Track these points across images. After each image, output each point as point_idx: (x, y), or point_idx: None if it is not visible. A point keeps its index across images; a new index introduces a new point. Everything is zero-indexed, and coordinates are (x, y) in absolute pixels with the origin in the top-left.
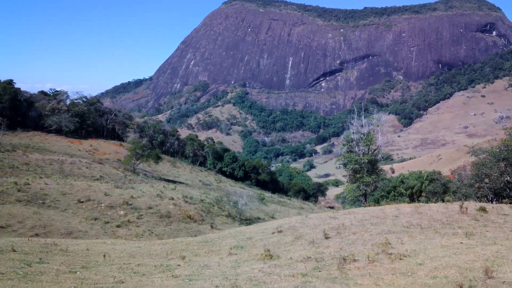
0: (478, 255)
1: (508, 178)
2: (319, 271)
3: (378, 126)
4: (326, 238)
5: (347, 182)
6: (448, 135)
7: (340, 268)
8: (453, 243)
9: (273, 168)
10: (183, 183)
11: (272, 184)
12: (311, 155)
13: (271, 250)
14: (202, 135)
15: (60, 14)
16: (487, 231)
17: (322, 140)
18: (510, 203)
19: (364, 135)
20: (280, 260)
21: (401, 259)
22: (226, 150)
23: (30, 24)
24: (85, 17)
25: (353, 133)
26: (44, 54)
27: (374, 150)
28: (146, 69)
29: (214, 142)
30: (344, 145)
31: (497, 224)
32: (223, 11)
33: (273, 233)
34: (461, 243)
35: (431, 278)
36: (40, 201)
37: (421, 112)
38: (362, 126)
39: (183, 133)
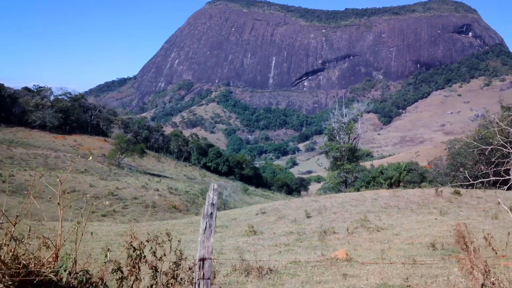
0: (451, 227)
1: (482, 166)
2: (301, 242)
3: (358, 115)
4: (308, 217)
5: (328, 171)
6: (426, 133)
7: (321, 239)
8: (428, 219)
9: (256, 165)
10: (168, 177)
11: (256, 179)
12: (294, 153)
13: (254, 227)
14: (187, 133)
15: (45, 14)
16: (461, 210)
17: (304, 138)
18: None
19: (344, 124)
20: (264, 235)
21: (378, 231)
22: (211, 145)
23: (15, 25)
24: (70, 18)
25: (334, 122)
26: (28, 54)
27: (354, 138)
28: (130, 68)
29: (198, 138)
30: (325, 134)
31: (471, 205)
32: (207, 11)
33: (257, 214)
34: (436, 219)
35: (407, 245)
36: (25, 192)
37: (400, 110)
38: (342, 115)
39: (168, 131)
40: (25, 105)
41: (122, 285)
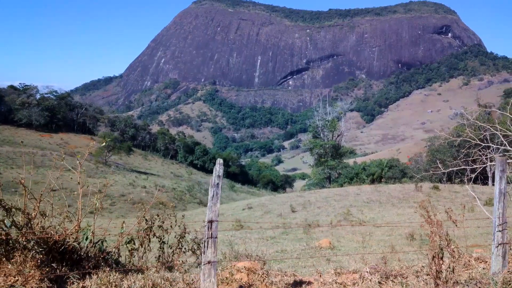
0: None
1: (460, 162)
2: (287, 235)
3: (341, 113)
4: (293, 211)
5: (312, 167)
6: (407, 131)
7: (305, 231)
8: (408, 212)
9: (242, 163)
10: (155, 174)
11: (242, 176)
12: (279, 151)
13: (241, 221)
14: (173, 132)
15: (29, 12)
16: (440, 204)
17: (289, 136)
18: (461, 182)
19: (328, 122)
20: (250, 229)
21: (360, 224)
22: (197, 143)
23: None
24: (55, 16)
25: (318, 120)
26: (13, 52)
27: (338, 136)
28: (116, 67)
29: (185, 136)
30: (310, 131)
31: (449, 199)
32: (193, 10)
33: (243, 209)
34: (415, 212)
35: (387, 236)
36: (13, 190)
37: (382, 109)
38: (326, 114)
39: (154, 129)
40: (11, 103)
41: (134, 255)
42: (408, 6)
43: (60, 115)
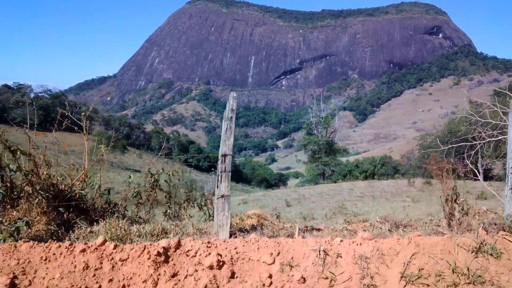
0: (423, 211)
1: (452, 159)
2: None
3: (335, 110)
4: (288, 206)
5: (306, 164)
6: (399, 130)
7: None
8: (401, 205)
9: (236, 162)
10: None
11: (236, 175)
12: (272, 150)
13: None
14: (167, 131)
15: (24, 12)
16: (432, 198)
17: (283, 135)
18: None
19: (322, 119)
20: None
21: (355, 216)
22: (191, 142)
23: None
24: (49, 16)
25: (312, 117)
26: (7, 51)
27: (332, 132)
28: (110, 67)
29: (179, 135)
30: (304, 128)
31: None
32: (187, 10)
33: (238, 204)
34: (409, 205)
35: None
36: None
37: (375, 108)
38: (320, 111)
39: (149, 128)
40: (5, 102)
41: (140, 209)
42: (399, 7)
43: (54, 114)
